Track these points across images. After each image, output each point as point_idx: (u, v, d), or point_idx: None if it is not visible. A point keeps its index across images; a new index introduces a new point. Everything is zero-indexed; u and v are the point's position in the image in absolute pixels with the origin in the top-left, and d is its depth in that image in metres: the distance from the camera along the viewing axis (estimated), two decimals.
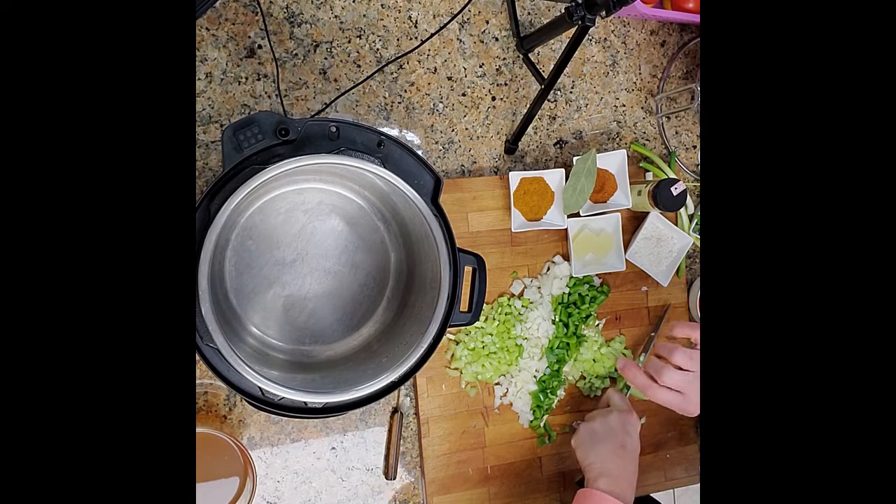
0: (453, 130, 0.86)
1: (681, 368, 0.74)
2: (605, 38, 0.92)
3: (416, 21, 0.84)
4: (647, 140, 0.95)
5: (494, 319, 0.84)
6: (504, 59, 0.88)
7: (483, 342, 0.83)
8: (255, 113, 0.58)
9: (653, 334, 0.90)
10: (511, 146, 0.87)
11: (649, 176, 0.91)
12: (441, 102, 0.85)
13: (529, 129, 0.88)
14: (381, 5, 0.83)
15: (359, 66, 0.82)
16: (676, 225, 0.90)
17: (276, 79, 0.79)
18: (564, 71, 0.74)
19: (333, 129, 0.61)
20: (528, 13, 0.89)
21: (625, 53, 0.93)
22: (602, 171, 0.87)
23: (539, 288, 0.86)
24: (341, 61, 0.82)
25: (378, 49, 0.83)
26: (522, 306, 0.86)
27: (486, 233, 0.85)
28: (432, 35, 0.81)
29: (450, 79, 0.86)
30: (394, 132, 0.84)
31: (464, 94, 0.86)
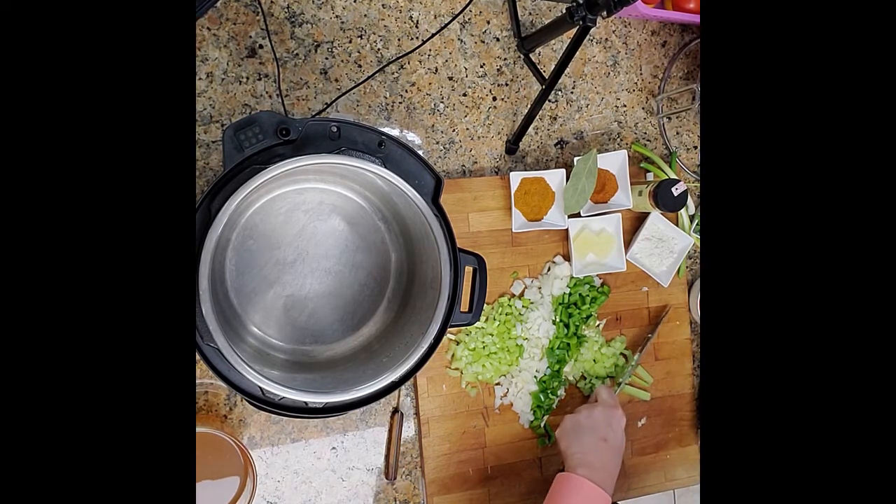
0: (454, 130, 0.86)
1: None
2: (606, 39, 0.92)
3: (417, 21, 0.84)
4: (648, 140, 0.94)
5: (495, 320, 0.84)
6: (505, 59, 0.88)
7: (483, 342, 0.83)
8: (256, 113, 0.58)
9: (650, 335, 0.90)
10: (512, 146, 0.87)
11: (650, 176, 0.91)
12: (442, 102, 0.85)
13: (530, 130, 0.88)
14: (382, 5, 0.83)
15: (360, 65, 0.82)
16: (677, 225, 0.90)
17: (277, 79, 0.79)
18: (565, 71, 0.74)
19: (334, 129, 0.61)
20: (529, 13, 0.88)
21: (626, 54, 0.93)
22: (603, 172, 0.87)
23: (539, 288, 0.86)
24: (342, 61, 0.82)
25: (379, 49, 0.83)
26: (523, 306, 0.86)
27: (487, 233, 0.85)
28: (433, 35, 0.81)
29: (451, 79, 0.86)
30: (395, 132, 0.84)
31: (465, 95, 0.86)
